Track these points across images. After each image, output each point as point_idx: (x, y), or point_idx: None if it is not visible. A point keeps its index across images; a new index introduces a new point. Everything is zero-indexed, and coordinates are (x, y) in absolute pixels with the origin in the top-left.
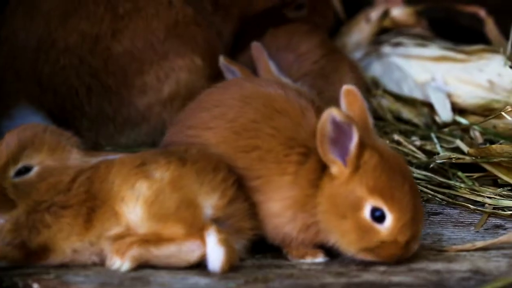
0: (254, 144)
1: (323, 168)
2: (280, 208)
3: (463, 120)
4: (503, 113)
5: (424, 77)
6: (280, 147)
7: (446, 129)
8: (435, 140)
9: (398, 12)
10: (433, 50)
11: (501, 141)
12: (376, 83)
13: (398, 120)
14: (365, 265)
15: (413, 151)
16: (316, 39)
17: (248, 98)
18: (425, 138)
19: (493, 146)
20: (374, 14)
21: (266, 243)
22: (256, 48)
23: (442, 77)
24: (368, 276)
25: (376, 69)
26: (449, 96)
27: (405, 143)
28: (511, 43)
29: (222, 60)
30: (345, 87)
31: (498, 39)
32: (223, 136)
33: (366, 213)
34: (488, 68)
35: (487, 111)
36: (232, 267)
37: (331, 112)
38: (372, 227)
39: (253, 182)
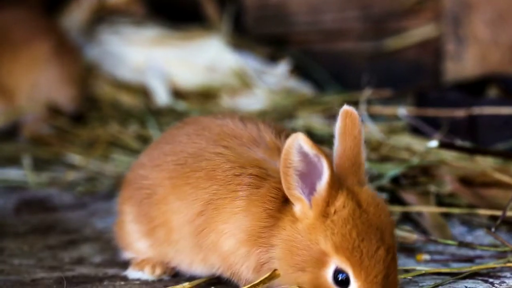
0: (199, 166)
1: (285, 199)
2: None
3: (180, 105)
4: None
5: (142, 60)
6: (229, 164)
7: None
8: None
9: None
10: (151, 32)
11: None
12: (93, 69)
13: (116, 107)
14: (79, 259)
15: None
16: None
17: (201, 130)
18: (144, 124)
19: None
20: None
21: None
22: None
23: (160, 60)
24: (82, 269)
25: (92, 54)
26: (169, 80)
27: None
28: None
29: None
30: (345, 108)
31: (216, 17)
32: (169, 170)
33: (329, 273)
34: (206, 50)
35: (206, 94)
36: None
37: (298, 138)
38: None
39: (199, 207)
